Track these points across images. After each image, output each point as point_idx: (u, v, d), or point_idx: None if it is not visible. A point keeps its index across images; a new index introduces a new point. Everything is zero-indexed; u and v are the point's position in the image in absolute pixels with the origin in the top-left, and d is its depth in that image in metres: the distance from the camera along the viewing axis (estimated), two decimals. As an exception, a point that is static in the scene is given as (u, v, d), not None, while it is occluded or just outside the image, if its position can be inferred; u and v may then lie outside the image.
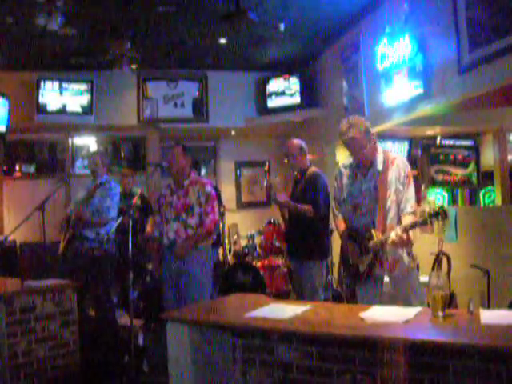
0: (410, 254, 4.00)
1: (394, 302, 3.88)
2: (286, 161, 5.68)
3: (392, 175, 3.93)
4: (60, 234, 6.05)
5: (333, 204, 4.34)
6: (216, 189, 6.94)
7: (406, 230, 3.70)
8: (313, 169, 5.57)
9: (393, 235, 3.73)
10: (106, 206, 5.79)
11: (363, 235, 3.97)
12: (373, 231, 3.91)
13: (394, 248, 3.87)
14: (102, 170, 6.00)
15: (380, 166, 3.97)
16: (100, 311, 5.76)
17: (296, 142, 5.62)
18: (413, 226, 3.71)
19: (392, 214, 3.92)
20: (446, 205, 8.64)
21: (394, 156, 4.04)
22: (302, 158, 5.56)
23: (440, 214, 3.54)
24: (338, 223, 4.23)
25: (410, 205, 3.89)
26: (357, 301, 6.07)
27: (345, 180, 4.15)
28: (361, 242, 3.99)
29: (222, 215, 6.87)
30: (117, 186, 5.98)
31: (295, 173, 5.69)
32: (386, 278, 4.07)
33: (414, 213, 3.82)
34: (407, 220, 3.81)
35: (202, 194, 5.10)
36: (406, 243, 3.78)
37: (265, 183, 6.06)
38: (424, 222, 3.62)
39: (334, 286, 7.46)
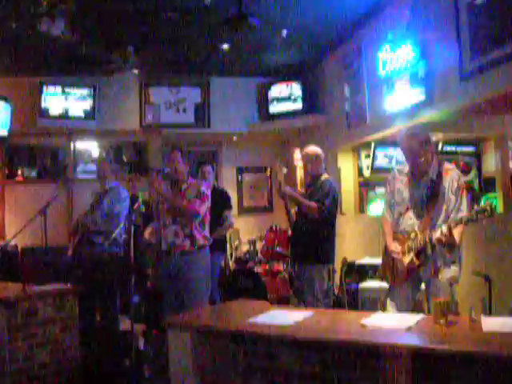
0: (457, 261, 4.01)
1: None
2: (285, 170, 5.78)
3: (445, 185, 3.98)
4: (69, 239, 6.05)
5: (384, 206, 4.40)
6: (226, 193, 7.00)
7: (450, 228, 3.72)
8: (325, 176, 5.65)
9: (438, 233, 3.75)
10: (116, 211, 5.80)
11: (408, 235, 4.00)
12: (417, 230, 3.94)
13: (441, 250, 3.87)
14: (111, 176, 6.00)
15: (434, 175, 4.02)
16: (104, 316, 5.76)
17: (312, 149, 5.74)
18: (459, 222, 3.74)
19: (440, 221, 3.95)
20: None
21: (449, 167, 4.10)
22: (318, 165, 5.66)
23: (486, 210, 3.56)
24: (384, 224, 4.29)
25: (461, 215, 3.89)
26: (358, 307, 6.10)
27: (398, 185, 4.22)
28: (404, 241, 4.02)
29: (225, 219, 6.87)
30: (125, 191, 5.98)
31: (306, 178, 5.81)
32: (423, 286, 4.08)
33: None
34: (452, 220, 3.83)
35: (196, 193, 5.12)
36: (451, 242, 3.79)
37: (284, 170, 6.19)
38: (471, 219, 3.64)
39: (336, 292, 7.45)
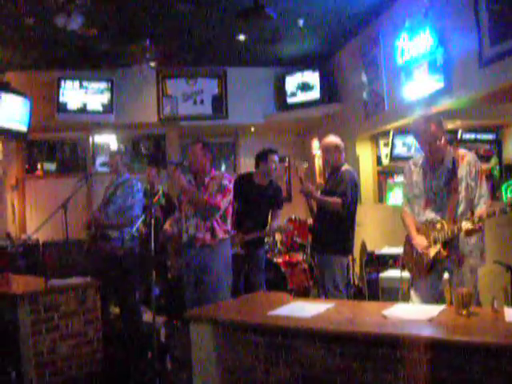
0: (479, 249, 3.97)
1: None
2: (305, 165, 5.70)
3: (462, 172, 3.93)
4: (86, 234, 6.06)
5: (403, 199, 4.34)
6: (281, 190, 6.71)
7: (481, 218, 3.69)
8: (346, 166, 5.60)
9: (469, 224, 3.71)
10: (129, 204, 5.77)
11: (433, 227, 3.96)
12: (444, 222, 3.90)
13: (467, 238, 3.84)
14: (123, 169, 5.98)
15: (450, 164, 3.97)
16: (124, 310, 5.78)
17: (332, 139, 5.67)
18: (490, 214, 3.69)
19: (462, 209, 3.92)
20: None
21: (464, 153, 4.03)
22: (338, 155, 5.60)
23: None
24: (405, 217, 4.23)
25: (483, 200, 3.87)
26: (378, 297, 6.09)
27: (415, 177, 4.16)
28: (429, 233, 3.98)
29: (274, 219, 6.70)
30: (138, 183, 5.96)
31: (326, 169, 5.73)
32: (446, 275, 4.05)
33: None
34: (482, 210, 3.78)
35: (218, 186, 5.10)
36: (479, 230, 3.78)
37: (305, 165, 5.99)
38: (503, 211, 3.61)
39: (356, 282, 7.45)
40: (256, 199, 5.94)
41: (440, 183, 4.00)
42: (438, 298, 3.97)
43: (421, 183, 4.11)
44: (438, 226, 3.93)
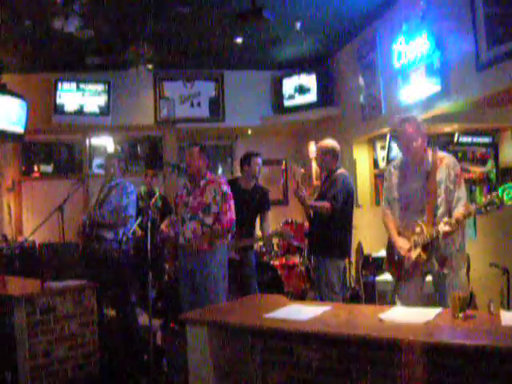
0: (460, 251, 3.97)
1: (437, 302, 3.86)
2: (302, 170, 5.67)
3: (442, 175, 3.93)
4: (78, 239, 6.03)
5: (383, 203, 4.34)
6: (267, 193, 6.68)
7: (458, 221, 3.70)
8: (341, 170, 5.57)
9: (446, 227, 3.71)
10: (123, 204, 5.76)
11: (413, 230, 3.96)
12: (423, 225, 3.90)
13: (446, 240, 3.84)
14: (118, 173, 5.96)
15: (428, 166, 3.98)
16: (119, 312, 5.76)
17: (328, 143, 5.63)
18: (467, 215, 3.70)
19: (441, 211, 3.92)
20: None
21: (442, 155, 4.04)
22: (333, 159, 5.57)
23: (495, 202, 3.52)
24: (386, 220, 4.23)
25: (461, 203, 3.87)
26: (374, 299, 6.09)
27: (394, 180, 4.17)
28: (410, 237, 3.98)
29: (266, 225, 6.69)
30: (131, 185, 5.95)
31: (322, 172, 5.70)
32: (429, 278, 4.05)
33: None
34: (460, 212, 3.78)
35: (218, 193, 5.10)
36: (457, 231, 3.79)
37: (302, 171, 5.84)
38: (479, 211, 3.62)
39: (353, 284, 7.45)
40: (243, 203, 5.90)
41: (420, 186, 4.00)
42: (422, 302, 3.96)
43: (400, 185, 4.12)
44: (418, 229, 3.93)
